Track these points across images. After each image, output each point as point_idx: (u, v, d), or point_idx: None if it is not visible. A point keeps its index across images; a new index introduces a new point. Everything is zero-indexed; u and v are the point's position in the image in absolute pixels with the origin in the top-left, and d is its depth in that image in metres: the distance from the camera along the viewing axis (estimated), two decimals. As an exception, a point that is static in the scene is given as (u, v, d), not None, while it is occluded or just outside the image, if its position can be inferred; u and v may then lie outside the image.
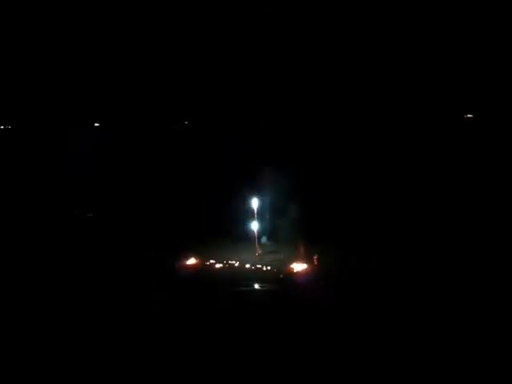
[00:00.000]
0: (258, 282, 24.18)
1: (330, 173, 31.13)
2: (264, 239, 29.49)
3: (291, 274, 25.47)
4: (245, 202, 28.76)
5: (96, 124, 33.87)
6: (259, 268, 26.27)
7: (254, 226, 28.46)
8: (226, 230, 30.91)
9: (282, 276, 24.40)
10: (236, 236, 29.64)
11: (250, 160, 29.89)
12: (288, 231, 29.44)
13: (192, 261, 27.09)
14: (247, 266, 26.55)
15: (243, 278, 24.76)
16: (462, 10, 26.01)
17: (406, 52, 27.39)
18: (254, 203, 28.47)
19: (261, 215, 28.96)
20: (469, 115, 30.16)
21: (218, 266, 26.55)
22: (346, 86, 23.12)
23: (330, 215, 31.20)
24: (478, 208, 30.68)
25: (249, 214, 28.69)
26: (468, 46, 27.52)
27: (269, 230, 29.85)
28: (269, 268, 26.22)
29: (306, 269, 25.95)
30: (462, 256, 25.66)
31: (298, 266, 26.17)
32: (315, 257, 26.61)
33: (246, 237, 28.83)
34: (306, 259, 26.51)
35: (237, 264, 26.83)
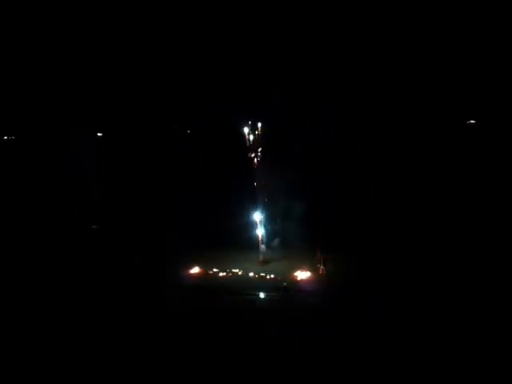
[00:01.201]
0: (261, 291, 24.14)
1: (343, 177, 31.01)
2: (276, 241, 29.78)
3: (295, 282, 25.40)
4: (250, 208, 28.78)
5: (99, 134, 33.91)
6: (263, 276, 26.23)
7: (259, 232, 28.54)
8: (229, 237, 30.98)
9: (285, 284, 24.30)
10: (240, 243, 29.80)
11: (257, 164, 29.80)
12: (296, 236, 29.59)
13: (195, 270, 27.04)
14: (250, 274, 26.52)
15: (247, 286, 24.80)
16: (469, 16, 26.01)
17: (411, 57, 27.31)
18: (261, 210, 28.53)
19: (268, 222, 29.00)
20: (472, 121, 30.05)
21: (221, 274, 26.55)
22: (350, 88, 23.01)
23: (342, 220, 31.28)
24: (484, 212, 30.78)
25: (254, 221, 28.68)
26: (473, 52, 27.45)
27: (276, 236, 30.06)
28: (272, 276, 26.15)
29: (309, 277, 25.88)
30: (468, 263, 26.01)
31: (302, 274, 26.09)
32: (320, 266, 26.35)
33: (250, 244, 29.01)
34: (320, 266, 26.37)
35: (240, 272, 26.80)
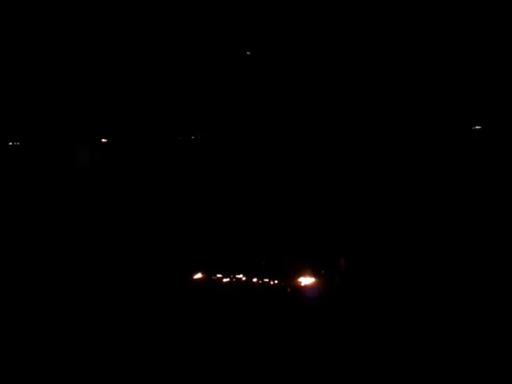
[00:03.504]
0: (264, 297, 24.11)
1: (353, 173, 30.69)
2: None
3: (299, 288, 25.26)
4: (255, 211, 28.60)
5: (103, 140, 34.09)
6: (267, 282, 26.14)
7: (264, 234, 28.38)
8: (232, 240, 30.84)
9: (289, 290, 24.16)
10: (243, 246, 29.62)
11: (262, 167, 29.73)
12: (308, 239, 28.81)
13: (198, 275, 26.93)
14: (254, 279, 26.44)
15: (250, 292, 24.77)
16: (473, 17, 26.10)
17: (413, 59, 27.36)
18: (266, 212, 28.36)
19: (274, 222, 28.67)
20: (477, 127, 29.95)
21: (225, 280, 26.49)
22: (350, 91, 22.78)
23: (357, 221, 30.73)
24: (486, 220, 30.68)
25: (259, 222, 28.45)
26: (479, 54, 27.44)
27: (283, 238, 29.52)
28: (276, 282, 26.01)
29: (314, 283, 25.69)
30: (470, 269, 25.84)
31: (306, 280, 25.91)
32: (339, 274, 25.72)
33: (255, 246, 28.81)
34: (342, 273, 25.81)
35: (244, 278, 26.68)
